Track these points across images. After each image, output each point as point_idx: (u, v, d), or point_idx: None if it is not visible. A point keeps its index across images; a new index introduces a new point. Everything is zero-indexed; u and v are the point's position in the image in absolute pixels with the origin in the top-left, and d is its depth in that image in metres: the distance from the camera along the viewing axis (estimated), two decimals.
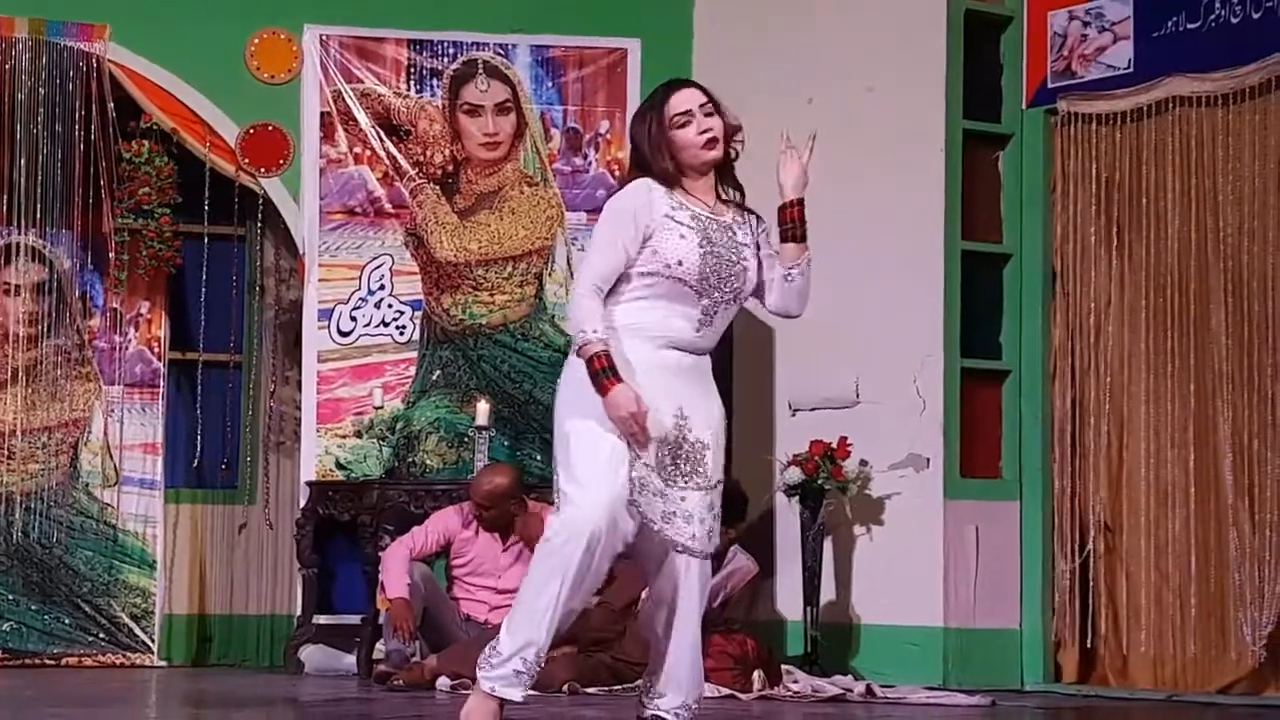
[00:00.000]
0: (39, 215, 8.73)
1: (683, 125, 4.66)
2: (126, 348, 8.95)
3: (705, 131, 4.66)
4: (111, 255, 8.78)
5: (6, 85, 8.61)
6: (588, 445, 4.55)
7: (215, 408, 9.09)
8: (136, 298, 8.96)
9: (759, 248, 4.78)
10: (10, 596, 8.68)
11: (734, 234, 4.70)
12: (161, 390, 9.00)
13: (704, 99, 4.71)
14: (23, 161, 8.64)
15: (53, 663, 8.64)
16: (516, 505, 7.76)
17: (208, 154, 8.78)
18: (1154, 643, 7.78)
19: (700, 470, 4.61)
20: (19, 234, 8.76)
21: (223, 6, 8.80)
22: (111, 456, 8.89)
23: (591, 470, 4.52)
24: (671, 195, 4.66)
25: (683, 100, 4.69)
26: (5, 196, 8.68)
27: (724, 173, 4.78)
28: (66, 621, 8.72)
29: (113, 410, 8.90)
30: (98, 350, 8.93)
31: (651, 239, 4.58)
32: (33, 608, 8.71)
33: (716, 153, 4.71)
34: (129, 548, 8.87)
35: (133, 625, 8.80)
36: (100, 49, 8.67)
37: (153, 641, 8.81)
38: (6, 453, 8.75)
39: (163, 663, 8.80)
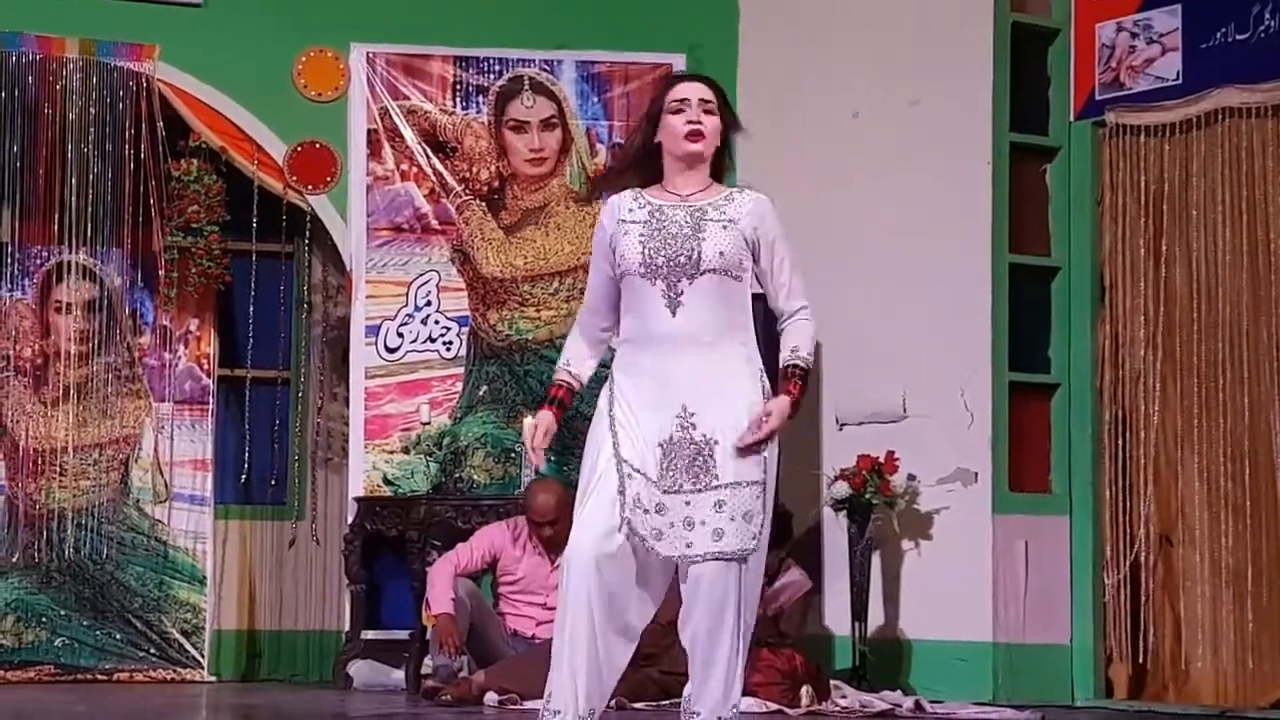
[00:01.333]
0: (90, 234, 8.59)
1: (675, 111, 4.48)
2: (176, 365, 8.80)
3: (691, 123, 4.46)
4: (161, 273, 8.63)
5: (58, 105, 8.48)
6: (585, 478, 4.41)
7: (264, 424, 8.91)
8: (186, 315, 8.81)
9: (754, 231, 4.47)
10: (63, 612, 8.53)
11: (703, 213, 4.46)
12: (211, 407, 8.84)
13: (707, 95, 4.51)
14: (74, 180, 8.50)
15: (104, 678, 8.48)
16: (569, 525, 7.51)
17: (256, 172, 8.62)
18: (1209, 657, 7.50)
19: (710, 470, 4.32)
20: (70, 252, 8.63)
21: (270, 25, 8.64)
22: (162, 473, 8.72)
23: (583, 504, 4.38)
24: (638, 196, 4.51)
25: (684, 89, 4.52)
26: (57, 215, 8.54)
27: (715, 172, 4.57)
28: (118, 637, 8.56)
29: (163, 427, 8.74)
30: (148, 367, 8.78)
31: (616, 248, 4.47)
32: (85, 623, 8.55)
33: (698, 146, 4.47)
34: (179, 563, 8.70)
35: (183, 641, 8.62)
36: (149, 68, 8.53)
37: (203, 657, 8.64)
38: (59, 469, 8.60)
39: (213, 678, 8.63)
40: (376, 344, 8.61)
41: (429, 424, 8.56)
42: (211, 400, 8.83)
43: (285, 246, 8.83)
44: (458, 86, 8.69)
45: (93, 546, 8.56)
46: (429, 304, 8.67)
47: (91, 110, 8.47)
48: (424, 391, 8.63)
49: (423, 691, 7.52)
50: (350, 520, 8.51)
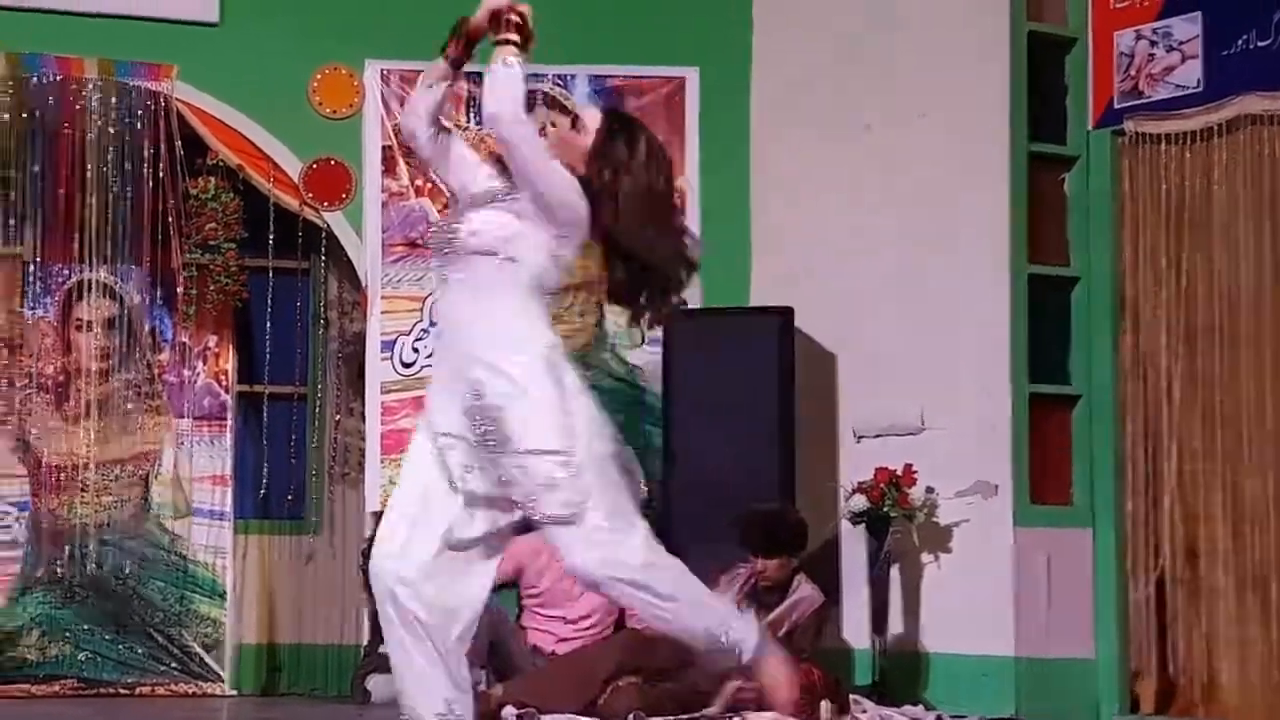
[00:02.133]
0: (110, 252, 8.44)
1: None
2: (195, 381, 8.65)
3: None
4: (180, 290, 8.48)
5: (77, 125, 8.34)
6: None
7: (282, 439, 8.72)
8: (204, 331, 8.64)
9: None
10: (86, 626, 8.37)
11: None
12: (230, 423, 8.67)
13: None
14: (93, 199, 8.35)
15: (127, 692, 8.33)
16: None
17: (272, 189, 8.44)
18: (1236, 671, 7.21)
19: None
20: (90, 270, 8.48)
21: (286, 44, 8.44)
22: (182, 488, 8.53)
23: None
24: None
25: None
26: (77, 234, 8.40)
27: None
28: (140, 651, 8.40)
29: (182, 443, 8.58)
30: (167, 384, 8.63)
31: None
32: (107, 637, 8.39)
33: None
34: (199, 578, 8.52)
35: (204, 655, 8.45)
36: (167, 88, 8.37)
37: (223, 671, 8.46)
38: (80, 486, 8.45)
39: (233, 692, 8.45)
40: (392, 359, 8.39)
41: None
42: (230, 416, 8.67)
43: (301, 263, 8.66)
44: (472, 102, 8.45)
45: (115, 562, 8.42)
46: None
47: (111, 130, 8.33)
48: None
49: None
50: (367, 534, 8.29)
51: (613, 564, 4.10)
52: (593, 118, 4.27)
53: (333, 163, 8.43)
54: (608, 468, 4.12)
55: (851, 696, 7.24)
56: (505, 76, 4.09)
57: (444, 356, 4.30)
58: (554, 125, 4.33)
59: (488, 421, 4.07)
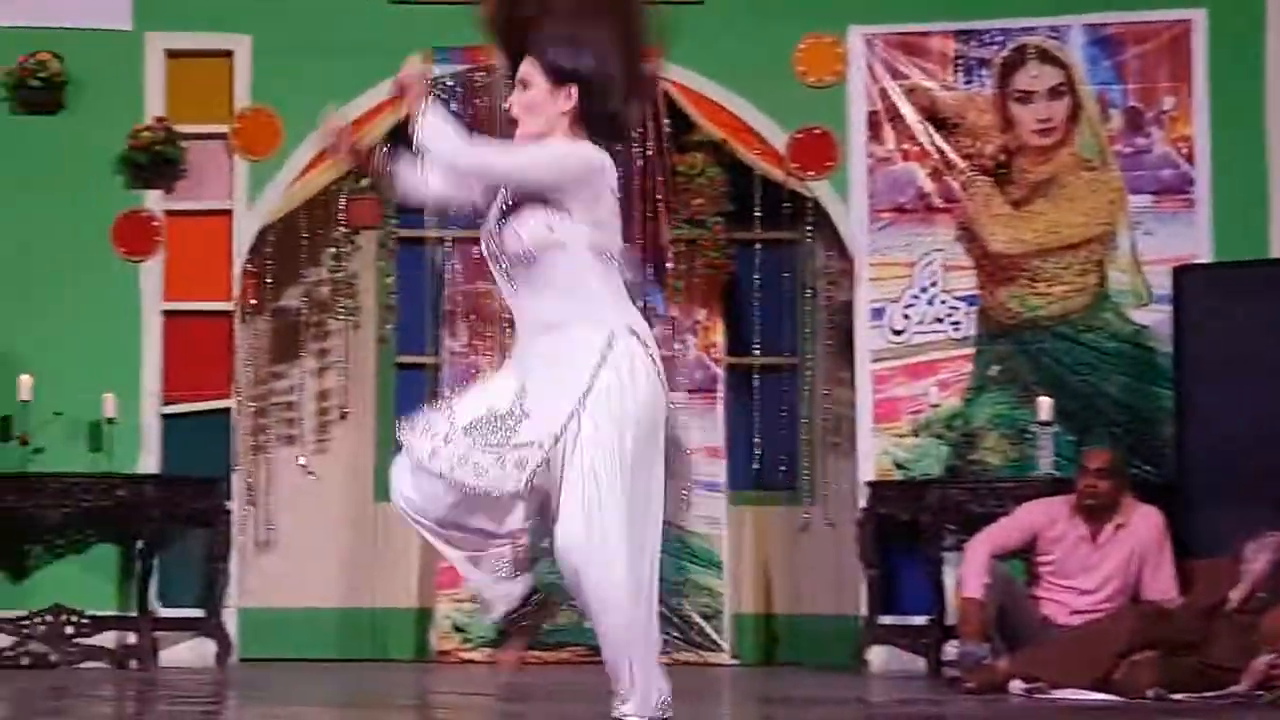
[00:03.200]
0: None
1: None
2: (686, 354, 8.63)
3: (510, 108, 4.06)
4: (669, 265, 8.48)
5: None
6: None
7: (773, 411, 8.64)
8: (694, 305, 8.65)
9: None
10: None
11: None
12: (720, 394, 8.63)
13: (523, 70, 4.01)
14: None
15: None
16: (1119, 484, 6.92)
17: (757, 161, 8.36)
18: None
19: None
20: None
21: (769, 16, 8.36)
22: None
23: None
24: None
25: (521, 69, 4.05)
26: None
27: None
28: None
29: (677, 416, 8.55)
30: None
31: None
32: None
33: (519, 130, 4.05)
34: (697, 549, 8.52)
35: (704, 624, 8.45)
36: (654, 68, 8.31)
37: (724, 640, 8.43)
38: None
39: (734, 661, 8.41)
40: (882, 327, 8.23)
41: (938, 406, 8.12)
42: (721, 388, 8.64)
43: (788, 234, 8.56)
44: (959, 61, 8.20)
45: None
46: (934, 284, 8.22)
47: None
48: (932, 373, 8.18)
49: (945, 678, 7.09)
50: (862, 505, 8.14)
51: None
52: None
53: (817, 132, 8.30)
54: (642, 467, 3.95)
55: None
56: (427, 136, 4.02)
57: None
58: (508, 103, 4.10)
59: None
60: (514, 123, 4.07)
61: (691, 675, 7.92)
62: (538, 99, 4.02)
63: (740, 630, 8.54)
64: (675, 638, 8.39)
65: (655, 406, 3.98)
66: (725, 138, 8.34)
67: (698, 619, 8.44)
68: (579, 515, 3.93)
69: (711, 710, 6.26)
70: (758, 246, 8.51)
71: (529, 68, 4.03)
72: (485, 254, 4.10)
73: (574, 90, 4.02)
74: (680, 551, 8.46)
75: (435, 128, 4.03)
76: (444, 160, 4.06)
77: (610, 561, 3.94)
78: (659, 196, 8.42)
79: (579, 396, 3.91)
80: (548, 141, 4.03)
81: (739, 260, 8.51)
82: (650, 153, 8.40)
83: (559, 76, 4.01)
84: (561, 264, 3.97)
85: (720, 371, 8.64)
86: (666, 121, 8.37)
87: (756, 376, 8.63)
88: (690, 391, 8.60)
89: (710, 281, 8.52)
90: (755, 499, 8.70)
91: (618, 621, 4.03)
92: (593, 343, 3.93)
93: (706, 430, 8.58)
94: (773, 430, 8.62)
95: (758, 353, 8.62)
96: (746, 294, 8.62)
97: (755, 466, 8.63)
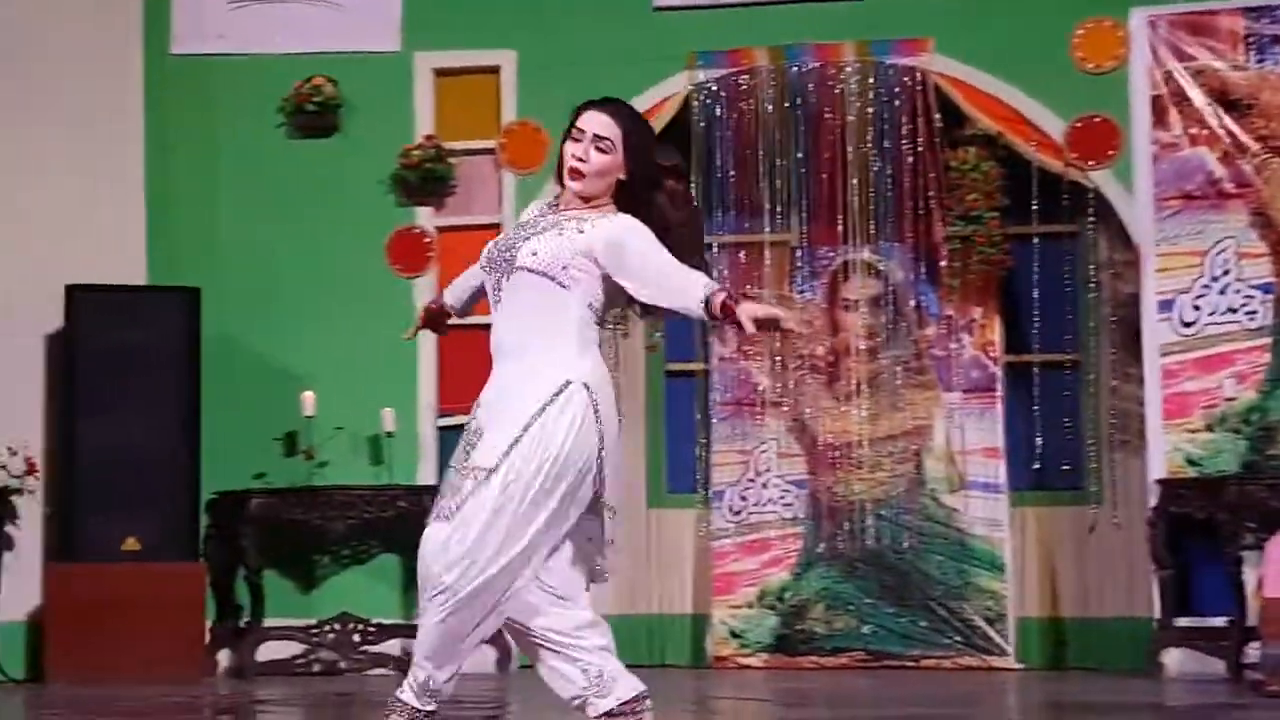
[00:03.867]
0: (872, 231, 8.37)
1: (572, 139, 4.08)
2: (961, 354, 8.42)
3: (574, 158, 4.04)
4: (943, 263, 8.29)
5: (837, 109, 8.33)
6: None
7: (1054, 409, 8.33)
8: (969, 304, 8.40)
9: (602, 241, 3.98)
10: (868, 600, 8.32)
11: (562, 219, 4.06)
12: (999, 394, 8.37)
13: (611, 130, 4.04)
14: (854, 181, 8.32)
15: (912, 664, 8.22)
16: None
17: (1034, 153, 8.10)
18: None
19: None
20: (854, 250, 8.44)
21: (1044, 4, 8.17)
22: (954, 462, 8.32)
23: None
24: (546, 202, 4.20)
25: (585, 119, 4.08)
26: (840, 216, 8.38)
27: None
28: (922, 624, 8.26)
29: (952, 416, 8.36)
30: (934, 358, 8.44)
31: None
32: (889, 611, 8.30)
33: (576, 185, 4.05)
34: (977, 551, 8.27)
35: (986, 628, 8.19)
36: (924, 61, 8.22)
37: (1008, 644, 8.17)
38: (855, 462, 8.41)
39: (1019, 665, 8.14)
40: (1171, 319, 7.89)
41: (1234, 399, 7.76)
42: (999, 387, 8.37)
43: (1067, 226, 8.28)
44: (1250, 40, 7.82)
45: (892, 536, 8.34)
46: (1227, 273, 7.86)
47: (869, 110, 8.27)
48: (1226, 365, 7.82)
49: (1248, 683, 6.82)
50: (1152, 504, 7.81)
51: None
52: None
53: (1097, 120, 8.02)
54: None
55: None
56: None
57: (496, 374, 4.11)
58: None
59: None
60: (573, 173, 4.06)
61: (975, 680, 7.76)
62: (611, 166, 4.06)
63: (1025, 634, 8.26)
64: (957, 642, 8.18)
65: (578, 460, 4.00)
66: (1000, 130, 8.11)
67: (980, 622, 8.19)
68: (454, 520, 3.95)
69: (997, 716, 6.15)
70: (1035, 240, 8.25)
71: (613, 130, 4.06)
72: (486, 258, 4.13)
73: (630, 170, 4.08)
74: (960, 554, 8.25)
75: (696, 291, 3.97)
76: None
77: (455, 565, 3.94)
78: (930, 193, 8.22)
79: (517, 432, 3.94)
80: (638, 229, 4.03)
81: (1016, 255, 8.25)
82: (921, 149, 8.19)
83: (632, 155, 4.07)
84: (554, 298, 4.02)
85: (998, 370, 8.38)
86: (937, 116, 8.18)
87: (1036, 374, 8.35)
88: (966, 391, 8.37)
89: (986, 278, 8.27)
90: (1037, 499, 8.42)
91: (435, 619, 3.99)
92: (551, 379, 3.98)
93: (984, 431, 8.33)
94: (1054, 429, 8.33)
95: (1037, 350, 8.35)
96: (1025, 290, 8.35)
97: (1036, 466, 8.34)
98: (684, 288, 3.93)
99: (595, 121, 4.06)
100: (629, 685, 4.07)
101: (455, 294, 4.42)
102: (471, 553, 3.91)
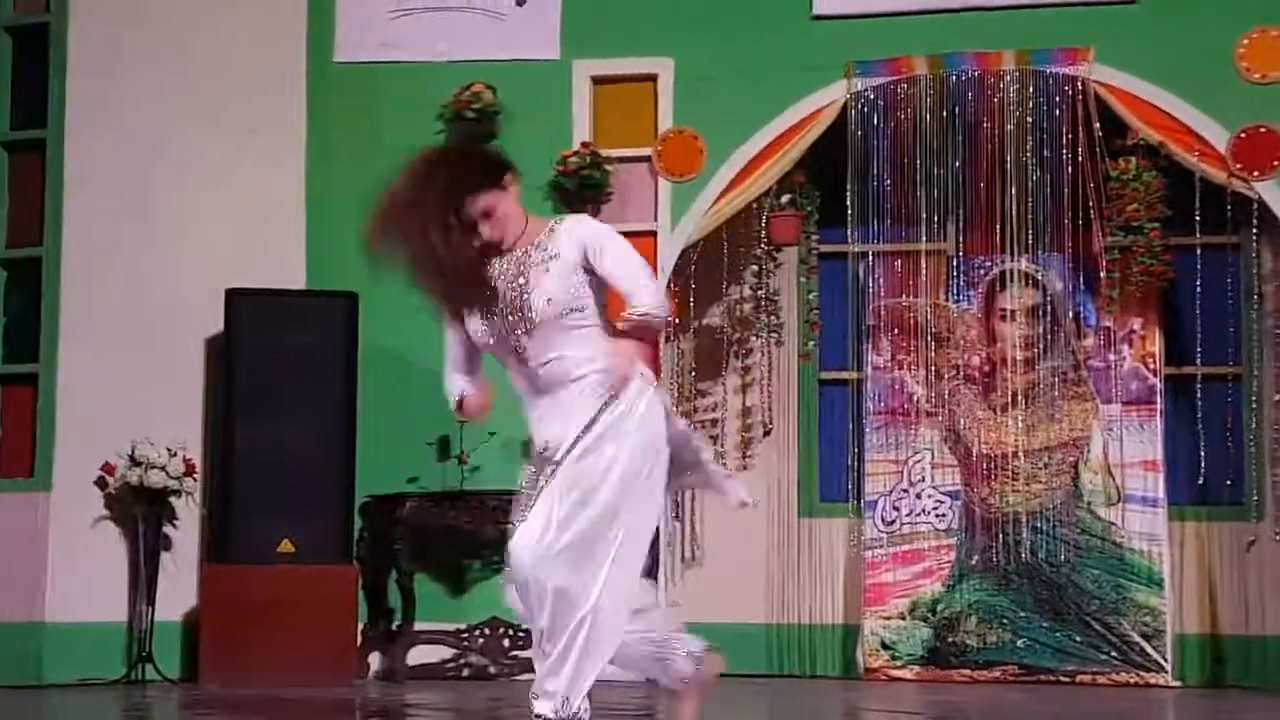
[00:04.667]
0: (1030, 241, 8.28)
1: (474, 233, 4.32)
2: (1121, 365, 8.29)
3: (488, 243, 4.31)
4: (1102, 274, 8.16)
5: (995, 118, 8.25)
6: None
7: (1216, 422, 8.17)
8: (1128, 315, 8.28)
9: (581, 254, 4.29)
10: (1022, 613, 8.21)
11: (521, 264, 4.31)
12: (1159, 406, 8.22)
13: (474, 205, 4.28)
14: (1013, 190, 8.22)
15: (1066, 680, 8.10)
16: None
17: (1197, 163, 7.95)
18: None
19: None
20: (1011, 260, 8.34)
21: (1207, 13, 8.02)
22: (1112, 475, 8.17)
23: None
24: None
25: (464, 215, 4.28)
26: (997, 226, 8.29)
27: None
28: (1077, 639, 8.13)
29: (1110, 428, 8.22)
30: (1092, 369, 8.32)
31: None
32: (1044, 625, 8.19)
33: (505, 248, 4.35)
34: (1135, 566, 8.14)
35: (1143, 644, 8.05)
36: (1084, 71, 8.11)
37: (1165, 661, 8.02)
38: (1010, 474, 8.30)
39: (1176, 683, 8.01)
40: None
41: None
42: (1159, 399, 8.23)
43: (1231, 237, 8.12)
44: None
45: (1048, 549, 8.23)
46: None
47: (1028, 119, 8.18)
48: None
49: None
50: None
51: None
52: None
53: (1263, 130, 7.88)
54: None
55: None
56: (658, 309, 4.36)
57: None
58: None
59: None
60: (496, 250, 4.30)
61: (1131, 696, 7.62)
62: (503, 212, 4.31)
63: (1184, 651, 8.11)
64: (1113, 658, 8.04)
65: (656, 441, 4.30)
66: (1162, 140, 7.97)
67: (1137, 638, 8.05)
68: (538, 522, 4.20)
69: None
70: (1198, 251, 8.09)
71: (475, 205, 4.27)
72: (487, 339, 4.32)
73: (509, 174, 4.36)
74: (1117, 569, 8.12)
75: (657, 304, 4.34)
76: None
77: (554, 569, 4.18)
78: (1090, 203, 8.09)
79: (585, 424, 4.24)
80: (603, 233, 4.38)
81: (1177, 266, 8.11)
82: (1081, 159, 8.07)
83: (494, 177, 4.32)
84: (578, 320, 4.30)
85: (1158, 382, 8.24)
86: (1097, 126, 8.05)
87: (1198, 387, 8.19)
88: (1125, 403, 8.25)
89: (1146, 289, 8.13)
90: (1198, 514, 8.27)
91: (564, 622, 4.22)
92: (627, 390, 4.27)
93: (1144, 443, 8.20)
94: (1216, 442, 8.16)
95: (1199, 362, 8.18)
96: (1186, 301, 8.21)
97: (1199, 481, 8.17)
98: (635, 290, 4.29)
99: (469, 209, 4.26)
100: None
101: (464, 381, 4.54)
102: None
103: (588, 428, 4.22)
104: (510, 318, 4.28)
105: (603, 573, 4.19)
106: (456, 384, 4.53)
